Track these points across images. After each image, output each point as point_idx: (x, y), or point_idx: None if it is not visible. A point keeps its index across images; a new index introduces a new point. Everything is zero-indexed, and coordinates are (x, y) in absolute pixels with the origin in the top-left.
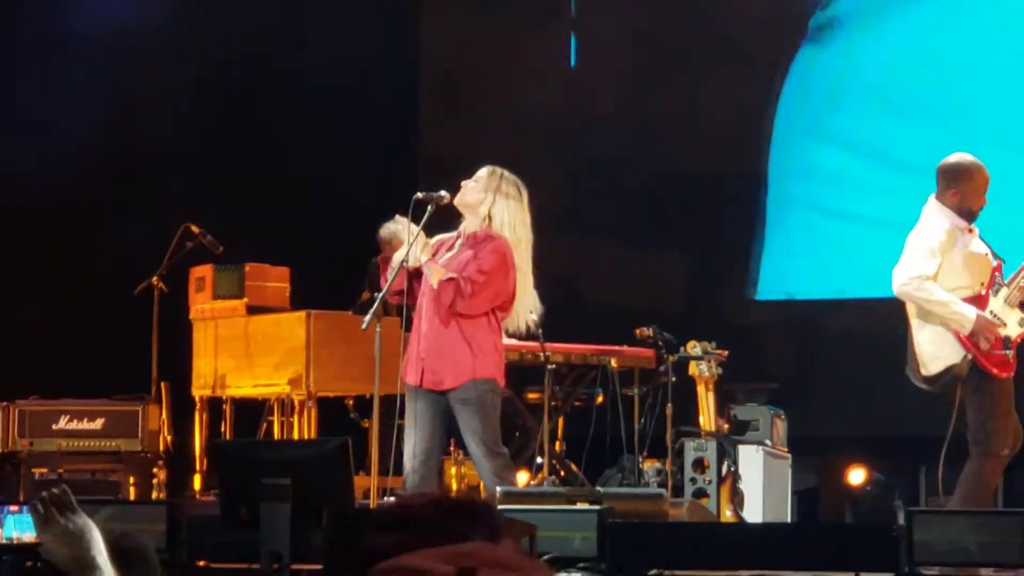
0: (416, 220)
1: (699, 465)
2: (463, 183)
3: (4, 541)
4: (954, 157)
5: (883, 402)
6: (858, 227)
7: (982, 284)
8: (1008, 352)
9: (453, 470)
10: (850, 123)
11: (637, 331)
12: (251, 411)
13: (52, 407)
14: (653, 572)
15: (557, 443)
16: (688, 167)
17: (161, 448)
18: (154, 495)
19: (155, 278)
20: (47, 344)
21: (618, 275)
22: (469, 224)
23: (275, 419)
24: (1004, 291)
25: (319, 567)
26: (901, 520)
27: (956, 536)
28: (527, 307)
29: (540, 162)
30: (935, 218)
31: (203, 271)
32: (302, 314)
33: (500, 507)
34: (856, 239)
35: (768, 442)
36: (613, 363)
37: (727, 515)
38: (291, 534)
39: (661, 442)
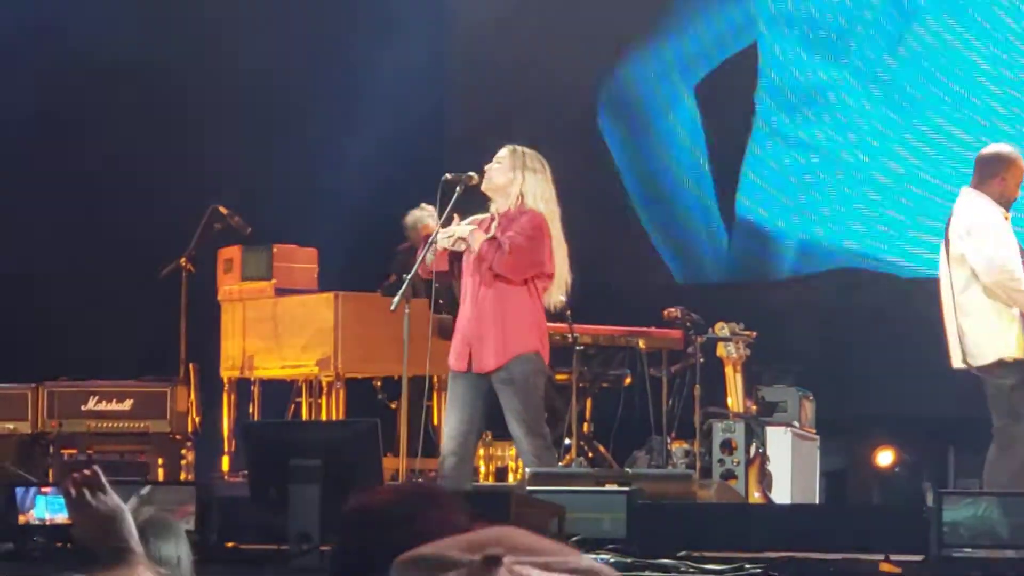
0: (445, 201)
1: (727, 446)
2: (487, 167)
3: (36, 522)
4: (994, 147)
5: (911, 383)
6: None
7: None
8: None
9: (482, 451)
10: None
11: (665, 312)
12: (279, 392)
13: (81, 388)
14: (681, 553)
15: (585, 424)
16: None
17: (189, 429)
18: (182, 476)
19: (183, 259)
20: (76, 325)
21: (646, 256)
22: (500, 206)
23: (303, 400)
24: None
25: None
26: (930, 501)
27: (986, 518)
28: (563, 280)
29: (570, 141)
30: (987, 208)
31: (231, 252)
32: (330, 295)
33: (530, 488)
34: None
35: (796, 423)
36: (641, 344)
37: (755, 496)
38: (320, 515)
39: (689, 423)
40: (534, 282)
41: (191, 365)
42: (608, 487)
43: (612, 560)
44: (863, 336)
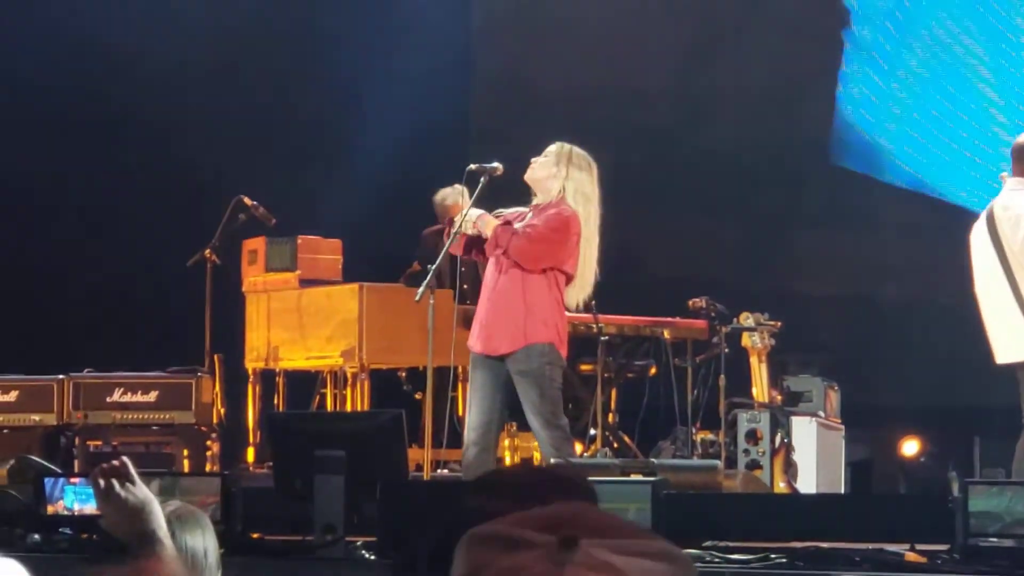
0: (470, 192)
1: (752, 436)
2: (532, 160)
3: (64, 512)
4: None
5: (937, 372)
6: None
7: None
8: None
9: (506, 442)
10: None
11: (690, 302)
12: (304, 384)
13: (106, 380)
14: (707, 543)
15: (610, 415)
16: (740, 138)
17: (214, 421)
18: (207, 468)
19: (208, 250)
20: (101, 317)
21: (671, 246)
22: (540, 199)
23: (328, 391)
24: None
25: (373, 539)
26: (956, 491)
27: (1012, 507)
28: (589, 281)
29: (591, 132)
30: None
31: (256, 243)
32: (355, 286)
33: None
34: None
35: (821, 413)
36: (666, 334)
37: (780, 487)
38: (345, 506)
39: (714, 413)
40: (554, 274)
41: (216, 356)
42: (633, 477)
43: None
44: (888, 326)
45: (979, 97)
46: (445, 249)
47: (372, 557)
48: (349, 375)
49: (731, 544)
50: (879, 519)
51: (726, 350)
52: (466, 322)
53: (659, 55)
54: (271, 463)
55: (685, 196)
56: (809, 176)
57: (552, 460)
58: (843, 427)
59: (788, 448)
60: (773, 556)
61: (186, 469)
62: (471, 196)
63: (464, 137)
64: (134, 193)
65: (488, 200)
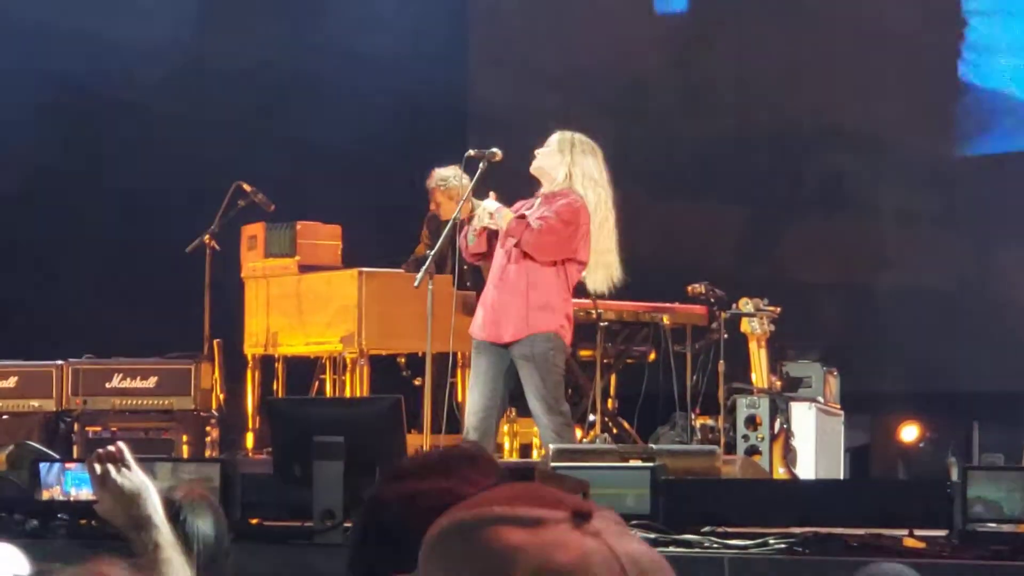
0: (469, 177)
1: (751, 422)
2: (536, 151)
3: (60, 498)
4: None
5: (936, 358)
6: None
7: None
8: None
9: (506, 427)
10: None
11: (689, 288)
12: (303, 369)
13: (105, 365)
14: (706, 529)
15: (609, 400)
16: (739, 122)
17: (214, 406)
18: (207, 453)
19: (207, 236)
20: (100, 303)
21: (670, 231)
22: (545, 187)
23: (327, 377)
24: None
25: None
26: (955, 476)
27: (1011, 493)
28: (613, 263)
29: (591, 116)
30: None
31: (255, 229)
32: (354, 272)
33: (554, 464)
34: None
35: (821, 399)
36: (665, 320)
37: (780, 472)
38: (344, 492)
39: (713, 399)
40: (564, 265)
41: (215, 342)
42: (632, 463)
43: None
44: (887, 311)
45: None
46: (444, 235)
47: None
48: (348, 361)
49: (730, 529)
50: (878, 504)
51: (725, 336)
52: (465, 308)
53: (659, 38)
54: (270, 449)
55: (685, 181)
56: (809, 161)
57: (552, 447)
58: (842, 413)
59: (787, 434)
60: (772, 541)
61: (185, 455)
62: (471, 182)
63: (462, 122)
64: (134, 179)
65: (488, 186)
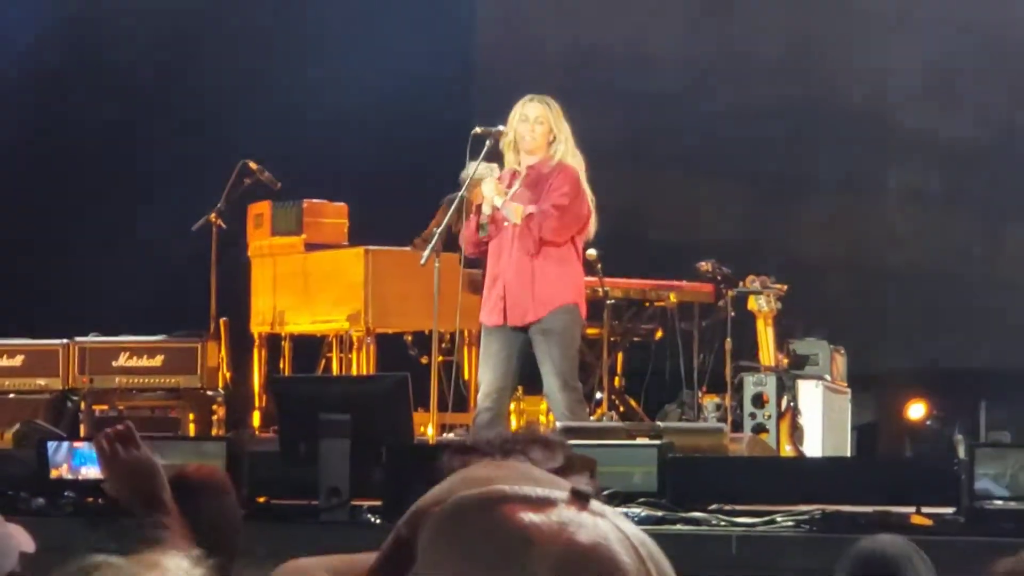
0: (475, 155)
1: (758, 400)
2: (525, 133)
3: (68, 476)
4: None
5: (943, 336)
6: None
7: None
8: None
9: (512, 406)
10: None
11: (696, 266)
12: (310, 348)
13: (112, 344)
14: (713, 507)
15: (616, 378)
16: (747, 99)
17: (220, 385)
18: (213, 432)
19: (213, 215)
20: (107, 281)
21: (677, 209)
22: (530, 160)
23: (334, 355)
24: None
25: (378, 502)
26: (962, 454)
27: (1018, 470)
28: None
29: (598, 95)
30: None
31: (261, 208)
32: (360, 250)
33: None
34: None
35: (827, 377)
36: (672, 298)
37: (787, 450)
38: (350, 470)
39: (720, 377)
40: (573, 238)
41: (222, 321)
42: (639, 441)
43: (643, 514)
44: (894, 289)
45: None
46: (452, 211)
47: (377, 521)
48: (355, 339)
49: (737, 507)
50: (885, 482)
51: (732, 314)
52: (471, 286)
53: (667, 16)
54: (276, 427)
55: (692, 159)
56: (817, 140)
57: (559, 424)
58: (849, 390)
59: (794, 411)
60: (779, 519)
61: (192, 433)
62: (477, 159)
63: (468, 99)
64: (140, 158)
65: (494, 162)
